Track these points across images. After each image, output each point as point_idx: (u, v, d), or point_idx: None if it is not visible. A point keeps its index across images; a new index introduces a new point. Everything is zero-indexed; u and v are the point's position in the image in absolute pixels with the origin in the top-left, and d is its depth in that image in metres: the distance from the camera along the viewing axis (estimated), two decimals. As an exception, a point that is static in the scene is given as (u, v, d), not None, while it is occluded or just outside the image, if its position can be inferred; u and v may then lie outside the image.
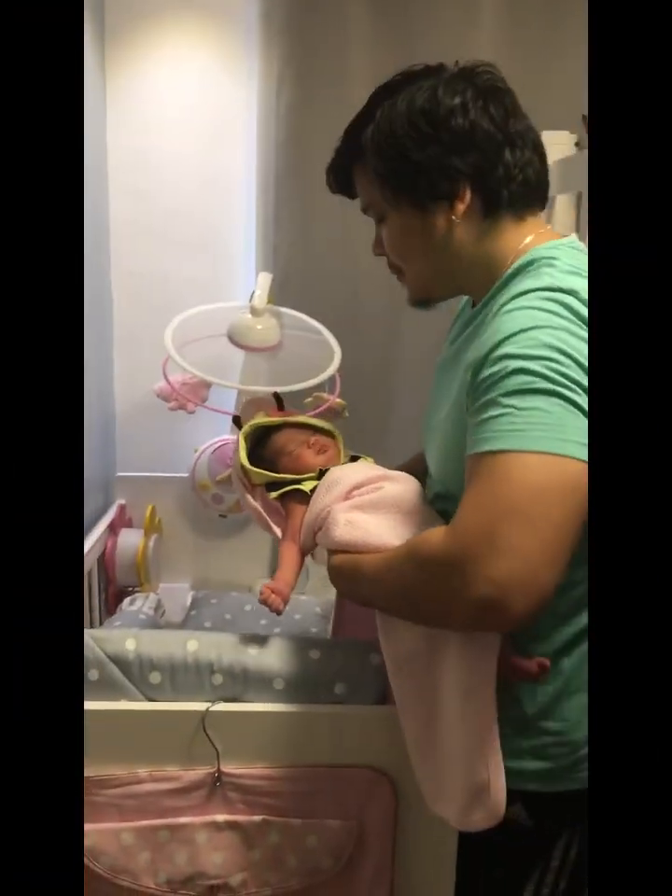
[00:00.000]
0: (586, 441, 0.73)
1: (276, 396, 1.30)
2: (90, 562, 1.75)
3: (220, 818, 1.02)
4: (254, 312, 1.70)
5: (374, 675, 1.07)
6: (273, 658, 1.06)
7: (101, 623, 1.82)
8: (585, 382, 0.75)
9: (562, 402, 0.74)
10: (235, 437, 1.64)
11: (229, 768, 1.02)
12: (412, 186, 0.90)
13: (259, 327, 1.70)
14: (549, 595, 0.72)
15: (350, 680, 1.07)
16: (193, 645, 1.06)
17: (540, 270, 0.84)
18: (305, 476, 1.13)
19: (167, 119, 1.96)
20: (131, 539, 1.91)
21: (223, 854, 1.02)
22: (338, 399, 1.72)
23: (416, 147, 0.88)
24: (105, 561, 1.86)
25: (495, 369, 0.77)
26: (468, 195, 0.89)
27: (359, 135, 0.93)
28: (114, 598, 1.90)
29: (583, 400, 0.74)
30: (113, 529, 1.91)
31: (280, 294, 1.89)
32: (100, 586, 1.85)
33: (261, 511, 1.18)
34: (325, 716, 1.04)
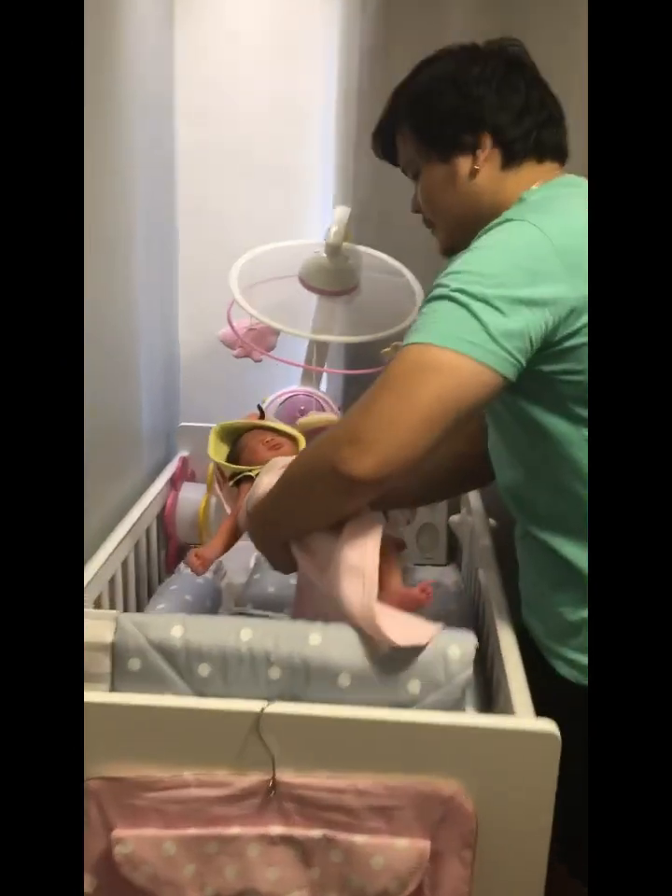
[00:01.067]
0: (474, 339, 0.86)
1: (260, 408, 1.46)
2: (149, 517, 1.64)
3: (275, 830, 0.90)
4: (329, 251, 1.53)
5: (456, 671, 0.93)
6: (338, 649, 0.93)
7: (159, 583, 1.72)
8: (498, 299, 0.87)
9: (455, 306, 0.87)
10: (304, 389, 1.54)
11: (285, 776, 0.89)
12: (438, 138, 1.05)
13: (335, 268, 1.53)
14: (407, 454, 0.86)
15: (427, 678, 0.93)
16: (247, 634, 0.93)
17: (512, 208, 0.99)
18: (257, 467, 1.24)
19: (238, 33, 1.77)
20: (193, 495, 1.80)
21: (278, 870, 0.90)
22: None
23: (443, 104, 1.04)
24: (164, 517, 1.75)
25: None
26: (488, 148, 1.03)
27: (402, 100, 1.09)
28: (174, 556, 1.80)
29: (486, 311, 0.86)
30: (174, 483, 1.79)
31: (359, 231, 1.71)
32: (159, 543, 1.75)
33: (223, 498, 1.35)
34: (397, 721, 0.90)
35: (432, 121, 1.05)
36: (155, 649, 0.93)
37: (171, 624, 0.94)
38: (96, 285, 1.27)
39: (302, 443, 1.32)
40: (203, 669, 0.93)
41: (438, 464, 1.17)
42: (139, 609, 1.57)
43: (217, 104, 1.80)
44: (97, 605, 1.32)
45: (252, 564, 1.79)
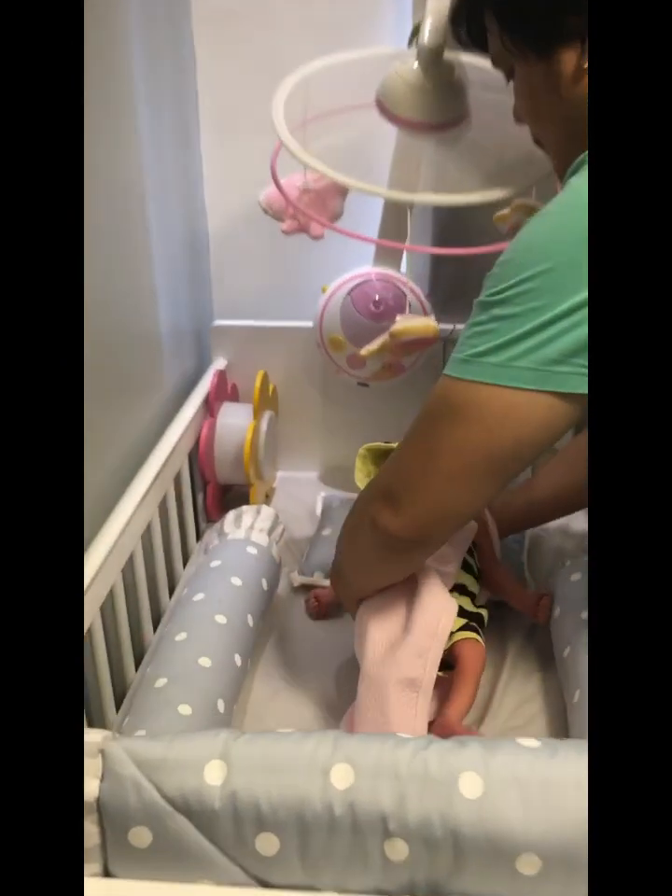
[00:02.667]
0: (509, 354, 0.69)
1: None
2: (178, 458, 1.21)
3: None
4: (424, 59, 0.99)
5: None
6: (516, 805, 0.50)
7: (197, 541, 1.30)
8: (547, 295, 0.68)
9: (485, 315, 0.73)
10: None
11: None
12: (532, 25, 0.77)
13: (433, 86, 0.99)
14: (445, 511, 0.77)
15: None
16: (344, 777, 0.50)
17: None
18: None
19: None
20: (235, 420, 1.35)
21: None
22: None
23: None
24: (200, 453, 1.32)
25: None
26: None
27: None
28: (214, 503, 1.37)
29: (525, 311, 0.69)
30: (210, 407, 1.34)
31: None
32: (192, 489, 1.32)
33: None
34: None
35: (523, 6, 0.76)
36: (178, 809, 0.51)
37: (203, 761, 0.52)
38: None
39: None
40: (267, 843, 0.50)
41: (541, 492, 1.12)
42: (160, 607, 1.16)
43: None
44: (109, 601, 0.95)
45: (319, 510, 1.35)
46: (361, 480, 1.17)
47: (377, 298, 1.29)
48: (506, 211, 1.09)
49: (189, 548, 1.29)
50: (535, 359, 0.68)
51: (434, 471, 0.75)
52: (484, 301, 0.74)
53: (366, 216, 1.26)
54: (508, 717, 0.95)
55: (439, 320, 1.35)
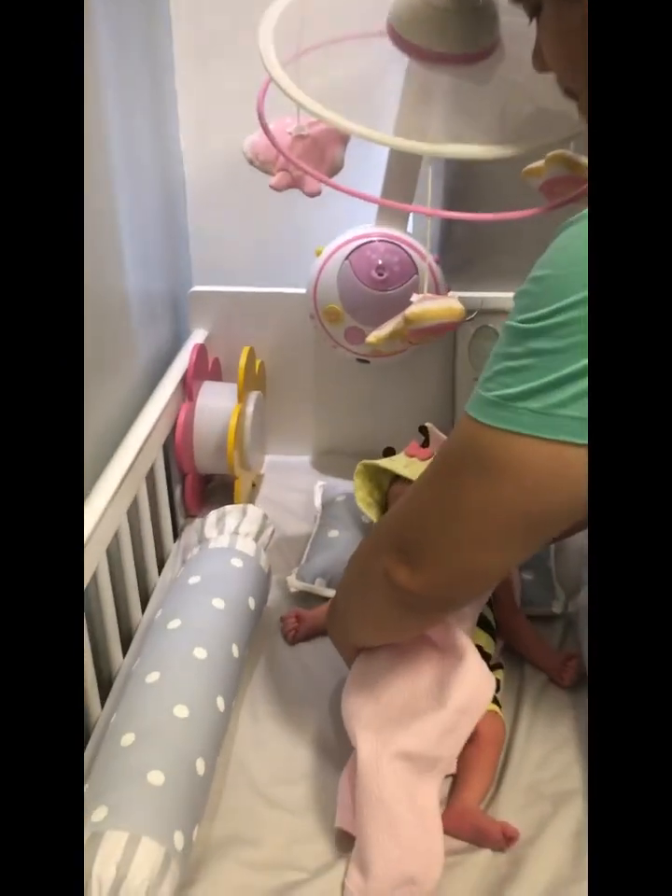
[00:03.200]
0: (552, 400, 0.55)
1: (423, 429, 1.06)
2: (152, 448, 1.05)
3: None
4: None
5: None
6: None
7: (161, 566, 1.13)
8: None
9: (519, 346, 0.57)
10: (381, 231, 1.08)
11: None
12: None
13: (453, 8, 0.81)
14: (469, 574, 0.64)
15: None
16: None
17: None
18: None
19: None
20: (217, 402, 1.19)
21: None
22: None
23: None
24: (177, 443, 1.15)
25: None
26: None
27: None
28: (193, 496, 1.21)
29: (571, 346, 0.54)
30: (187, 387, 1.17)
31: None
32: (168, 482, 1.16)
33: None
34: None
35: None
36: None
37: None
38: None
39: None
40: None
41: None
42: (131, 625, 1.01)
43: None
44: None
45: (318, 502, 1.20)
46: (363, 500, 1.06)
47: (380, 263, 1.12)
48: (540, 163, 0.92)
49: (165, 551, 1.14)
50: (584, 407, 0.54)
51: (459, 532, 0.62)
52: (518, 328, 0.58)
53: (369, 167, 1.08)
54: (534, 769, 0.81)
55: (450, 288, 1.19)
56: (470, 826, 0.75)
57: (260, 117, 0.86)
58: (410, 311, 0.80)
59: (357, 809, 0.71)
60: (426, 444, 1.09)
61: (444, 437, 1.13)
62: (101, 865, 0.63)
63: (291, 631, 0.97)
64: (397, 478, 1.05)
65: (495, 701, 0.84)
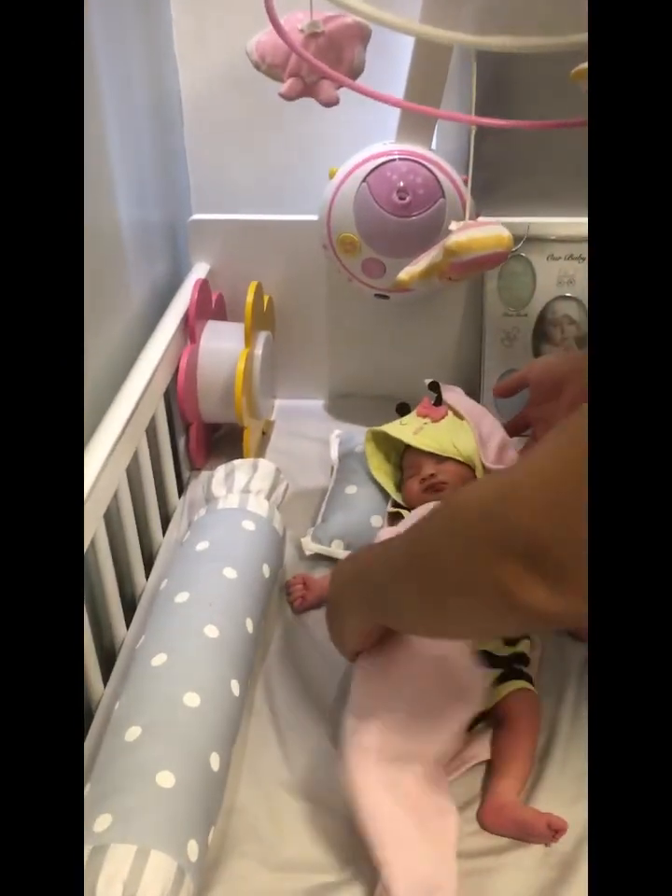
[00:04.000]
0: None
1: (434, 385, 0.99)
2: (153, 397, 0.94)
3: None
4: None
5: None
6: None
7: (165, 526, 1.03)
8: None
9: None
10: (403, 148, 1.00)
11: None
12: None
13: None
14: None
15: None
16: None
17: None
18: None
19: None
20: (223, 343, 1.08)
21: None
22: None
23: None
24: (179, 391, 1.05)
25: None
26: None
27: None
28: (199, 448, 1.11)
29: None
30: (190, 328, 1.06)
31: None
32: (171, 433, 1.06)
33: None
34: None
35: None
36: None
37: None
38: None
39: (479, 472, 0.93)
40: None
41: None
42: (134, 593, 0.92)
43: None
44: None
45: (335, 453, 1.10)
46: (378, 469, 0.99)
47: (402, 184, 1.00)
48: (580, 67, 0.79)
49: (169, 508, 1.04)
50: None
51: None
52: None
53: (388, 77, 0.94)
54: (583, 755, 0.72)
55: (480, 213, 1.07)
56: (510, 820, 0.67)
57: (269, 8, 0.73)
58: (452, 240, 0.68)
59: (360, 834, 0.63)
60: (438, 403, 0.99)
61: (457, 391, 1.03)
62: (105, 884, 0.55)
63: (299, 599, 0.88)
64: (409, 447, 0.95)
65: (526, 677, 0.76)
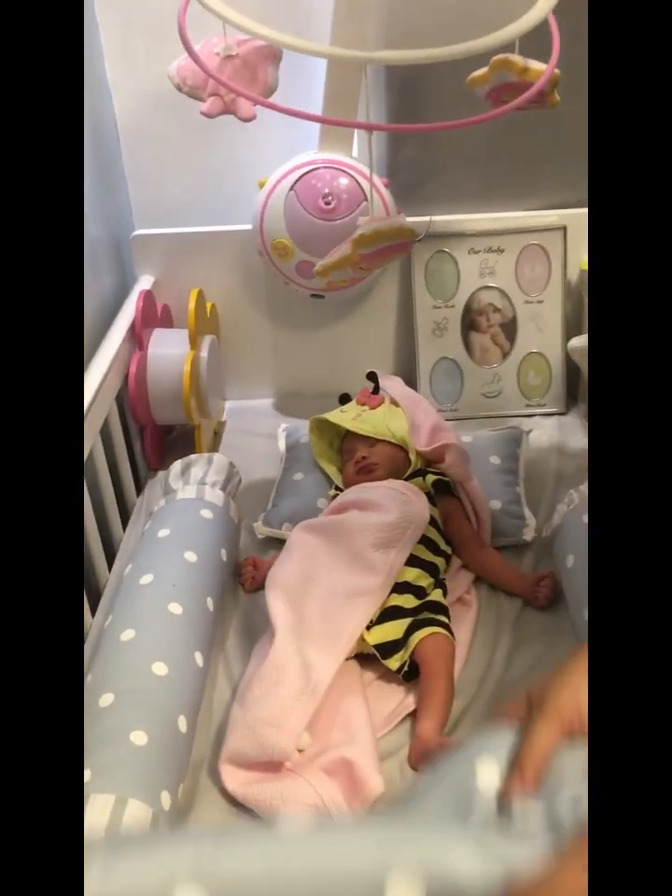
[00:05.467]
0: None
1: (372, 375, 1.08)
2: (104, 402, 1.00)
3: None
4: None
5: None
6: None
7: (125, 524, 1.08)
8: None
9: None
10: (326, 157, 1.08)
11: None
12: None
13: None
14: None
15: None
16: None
17: None
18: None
19: None
20: (169, 349, 1.14)
21: None
22: (555, 71, 0.84)
23: None
24: (130, 395, 1.11)
25: None
26: None
27: None
28: (154, 449, 1.18)
29: None
30: (137, 336, 1.13)
31: None
32: (126, 436, 1.12)
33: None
34: None
35: None
36: None
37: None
38: None
39: (414, 458, 1.00)
40: None
41: None
42: (98, 584, 0.97)
43: None
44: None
45: (282, 445, 1.17)
46: (320, 455, 1.07)
47: (327, 191, 1.08)
48: (483, 70, 0.88)
49: (128, 507, 1.10)
50: None
51: None
52: None
53: (306, 88, 1.02)
54: (511, 692, 0.79)
55: (401, 212, 1.14)
56: (419, 753, 0.72)
57: (183, 36, 0.80)
58: (357, 233, 0.76)
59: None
60: (376, 391, 1.07)
61: (395, 380, 1.10)
62: (87, 830, 0.61)
63: (249, 579, 0.95)
64: (348, 432, 1.03)
65: (438, 623, 0.81)
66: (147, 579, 0.83)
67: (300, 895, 0.42)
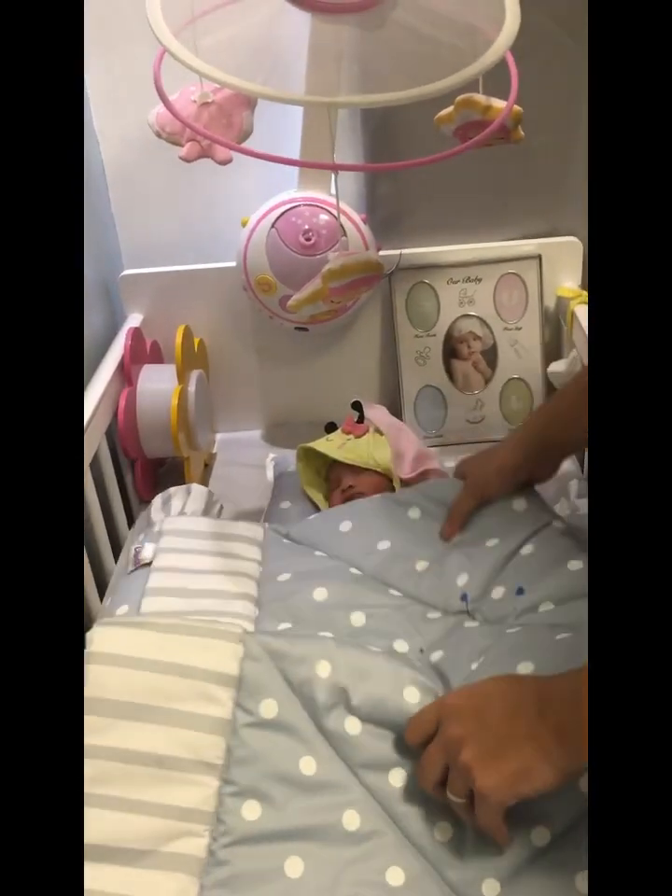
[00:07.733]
0: None
1: (357, 404, 1.12)
2: (95, 437, 1.03)
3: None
4: None
5: None
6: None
7: (117, 554, 1.11)
8: None
9: None
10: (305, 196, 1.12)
11: None
12: None
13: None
14: None
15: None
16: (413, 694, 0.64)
17: None
18: None
19: None
20: (157, 384, 1.17)
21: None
22: (516, 108, 0.88)
23: None
24: (120, 430, 1.14)
25: None
26: None
27: None
28: (144, 481, 1.20)
29: None
30: (126, 372, 1.16)
31: None
32: (117, 470, 1.14)
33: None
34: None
35: None
36: (295, 693, 0.67)
37: (315, 658, 0.68)
38: None
39: (398, 486, 1.02)
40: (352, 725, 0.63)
41: None
42: (90, 618, 0.99)
43: None
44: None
45: (271, 475, 1.19)
46: (308, 483, 1.09)
47: (307, 227, 1.11)
48: (449, 109, 0.91)
49: (120, 539, 1.13)
50: None
51: None
52: None
53: (283, 131, 1.06)
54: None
55: (381, 247, 1.18)
56: None
57: (158, 87, 0.84)
58: (327, 268, 0.79)
59: None
60: (360, 420, 1.09)
61: (380, 409, 1.13)
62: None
63: None
64: (335, 461, 1.05)
65: None
66: (122, 609, 0.85)
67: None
